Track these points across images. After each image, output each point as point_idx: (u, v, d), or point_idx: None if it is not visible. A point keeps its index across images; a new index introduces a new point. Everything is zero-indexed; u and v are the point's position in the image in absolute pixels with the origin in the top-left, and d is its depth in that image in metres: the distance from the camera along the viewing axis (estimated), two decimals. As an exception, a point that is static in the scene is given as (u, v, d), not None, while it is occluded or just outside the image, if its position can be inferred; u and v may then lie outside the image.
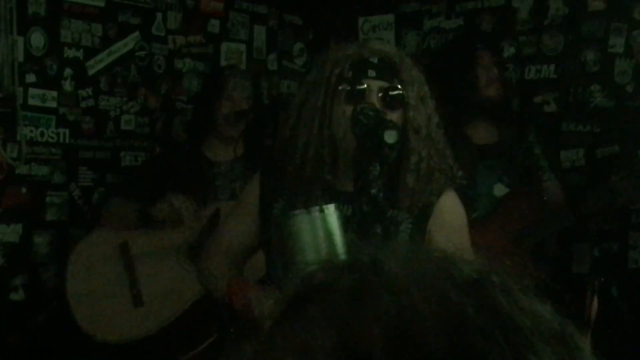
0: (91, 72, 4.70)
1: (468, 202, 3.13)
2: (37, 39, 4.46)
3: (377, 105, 2.65)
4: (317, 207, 2.42)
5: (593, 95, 4.81)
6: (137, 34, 4.89)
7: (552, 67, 4.96)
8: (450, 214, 2.80)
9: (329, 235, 2.41)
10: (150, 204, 4.08)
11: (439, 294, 0.73)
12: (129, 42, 4.86)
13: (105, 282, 3.94)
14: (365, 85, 2.68)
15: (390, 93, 2.69)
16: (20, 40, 4.36)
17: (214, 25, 5.28)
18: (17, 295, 4.39)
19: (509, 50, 5.04)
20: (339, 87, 2.69)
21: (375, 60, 2.71)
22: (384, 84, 2.69)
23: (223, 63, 5.24)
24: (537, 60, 4.99)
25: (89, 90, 4.68)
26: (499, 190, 4.25)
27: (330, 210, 2.42)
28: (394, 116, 2.66)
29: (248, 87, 4.37)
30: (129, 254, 3.99)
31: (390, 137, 2.47)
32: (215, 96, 4.30)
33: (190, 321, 3.81)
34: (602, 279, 3.58)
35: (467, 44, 4.59)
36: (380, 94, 2.68)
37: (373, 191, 2.54)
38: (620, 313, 4.28)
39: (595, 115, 4.78)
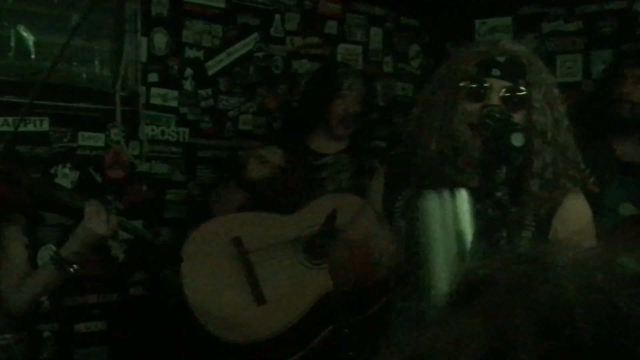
0: (211, 72, 4.77)
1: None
2: (160, 39, 4.54)
3: (500, 104, 2.60)
4: (449, 191, 2.39)
5: None
6: (256, 35, 4.95)
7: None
8: (575, 213, 2.72)
9: (457, 218, 2.38)
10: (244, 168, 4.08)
11: (593, 285, 0.73)
12: (248, 43, 4.92)
13: (222, 278, 3.90)
14: (488, 84, 2.64)
15: (514, 94, 2.65)
16: (144, 41, 4.46)
17: (332, 27, 5.31)
18: (137, 291, 4.48)
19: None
20: (462, 84, 2.67)
21: (502, 59, 2.66)
22: (508, 84, 2.64)
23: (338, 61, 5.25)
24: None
25: (209, 91, 4.76)
26: (625, 209, 4.12)
27: (462, 193, 2.39)
28: (517, 117, 2.62)
29: (362, 88, 4.36)
30: (244, 250, 3.96)
31: (517, 140, 2.44)
32: (327, 93, 4.29)
33: (314, 319, 3.80)
34: None
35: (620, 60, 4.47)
36: (503, 94, 2.64)
37: (498, 194, 2.51)
38: None
39: None
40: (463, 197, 2.37)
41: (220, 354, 3.86)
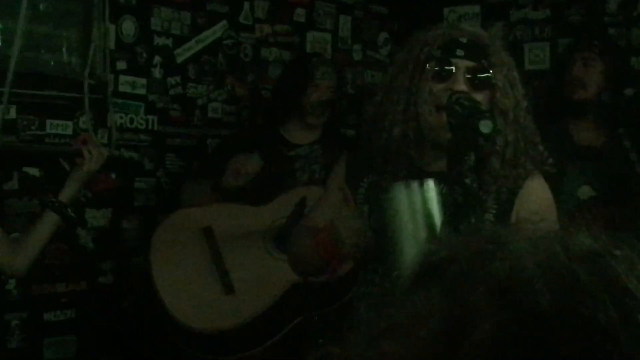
0: (180, 60, 4.76)
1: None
2: (128, 27, 4.52)
3: (464, 85, 2.62)
4: (417, 182, 2.39)
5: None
6: (225, 22, 4.93)
7: (643, 59, 4.89)
8: (536, 196, 2.73)
9: (426, 209, 2.38)
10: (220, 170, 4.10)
11: (551, 260, 0.75)
12: (217, 31, 4.90)
13: (192, 267, 3.92)
14: (453, 65, 2.66)
15: (478, 74, 2.66)
16: (112, 28, 4.43)
17: (300, 15, 5.30)
18: (106, 279, 4.47)
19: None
20: (427, 66, 2.68)
21: (465, 40, 2.68)
22: (472, 64, 2.65)
23: (309, 52, 5.25)
24: (627, 53, 4.92)
25: (178, 78, 4.74)
26: (584, 192, 4.17)
27: (430, 185, 2.39)
28: (480, 98, 2.63)
29: (334, 77, 4.38)
30: (214, 240, 3.98)
31: (485, 127, 2.44)
32: (301, 83, 4.30)
33: (283, 309, 3.82)
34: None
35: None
36: (467, 75, 2.65)
37: (467, 181, 2.52)
38: None
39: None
40: (431, 188, 2.37)
41: (189, 342, 3.87)
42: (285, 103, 4.39)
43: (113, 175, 4.47)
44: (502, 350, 0.70)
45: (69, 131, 4.28)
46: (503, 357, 0.69)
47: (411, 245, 2.24)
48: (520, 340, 0.70)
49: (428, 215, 2.37)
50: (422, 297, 0.77)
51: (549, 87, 4.45)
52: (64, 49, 4.31)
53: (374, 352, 0.77)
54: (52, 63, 4.28)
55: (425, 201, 2.38)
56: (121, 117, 4.50)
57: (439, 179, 2.51)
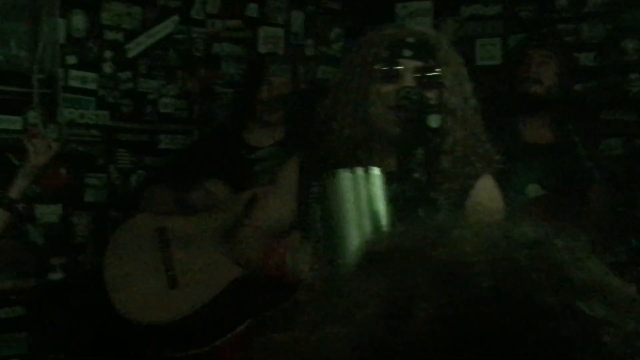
0: (131, 54, 4.72)
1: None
2: (79, 21, 4.48)
3: (413, 85, 2.63)
4: (362, 168, 2.39)
5: (632, 84, 4.78)
6: (176, 17, 4.91)
7: (592, 55, 4.94)
8: (486, 197, 2.76)
9: (371, 195, 2.38)
10: (187, 191, 4.11)
11: (492, 246, 0.77)
12: (169, 26, 4.88)
13: (141, 265, 3.97)
14: (401, 65, 2.67)
15: (426, 73, 2.68)
16: (62, 22, 4.39)
17: (253, 10, 5.28)
18: (56, 275, 4.43)
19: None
20: (375, 67, 2.70)
21: (412, 40, 2.71)
22: (420, 64, 2.68)
23: (261, 47, 5.25)
24: (577, 49, 4.96)
25: (129, 73, 4.71)
26: (533, 190, 4.20)
27: (374, 171, 2.39)
28: (429, 96, 2.65)
29: (287, 73, 4.39)
30: (166, 238, 4.02)
31: (434, 121, 2.47)
32: (255, 82, 4.31)
33: (227, 304, 3.83)
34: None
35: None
36: (416, 74, 2.67)
37: (416, 175, 2.54)
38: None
39: (635, 104, 4.75)
40: (376, 176, 2.37)
41: (140, 338, 3.88)
42: (242, 104, 4.42)
43: (63, 171, 4.43)
44: (441, 333, 0.71)
45: (18, 126, 4.23)
46: (442, 340, 0.70)
47: (356, 235, 2.24)
48: (459, 323, 0.71)
49: (372, 203, 2.37)
50: (364, 283, 0.78)
51: (501, 83, 4.47)
52: (12, 43, 4.26)
53: (316, 337, 0.77)
54: (1, 57, 4.23)
55: (369, 187, 2.37)
56: (71, 112, 4.46)
57: (389, 178, 2.52)
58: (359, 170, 2.35)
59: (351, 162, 2.68)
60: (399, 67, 2.67)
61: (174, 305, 3.86)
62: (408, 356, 0.71)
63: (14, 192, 3.38)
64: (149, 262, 3.97)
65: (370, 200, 2.33)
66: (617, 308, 0.73)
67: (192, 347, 3.84)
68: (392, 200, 2.49)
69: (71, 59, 4.46)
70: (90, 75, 4.55)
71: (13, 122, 4.23)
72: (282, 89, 4.29)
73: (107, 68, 4.62)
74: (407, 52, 2.68)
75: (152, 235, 4.03)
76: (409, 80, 2.64)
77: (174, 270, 3.94)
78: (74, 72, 4.47)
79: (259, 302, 3.72)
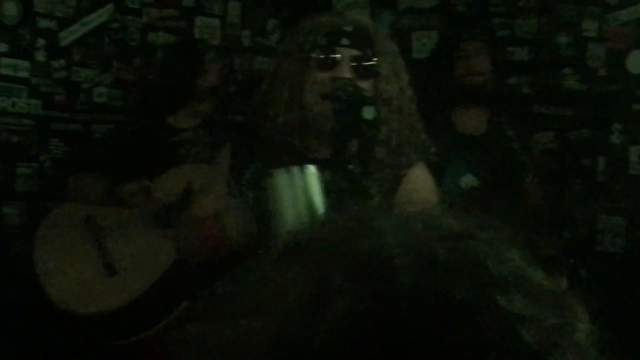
0: (64, 43, 4.66)
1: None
2: (10, 8, 4.41)
3: (349, 73, 2.64)
4: (298, 167, 2.40)
5: (565, 79, 4.84)
6: (111, 5, 4.85)
7: (526, 49, 4.99)
8: (419, 186, 2.76)
9: (308, 194, 2.39)
10: (117, 182, 4.06)
11: (413, 239, 0.76)
12: (103, 14, 4.82)
13: (75, 255, 3.90)
14: (338, 54, 2.67)
15: (363, 63, 2.68)
16: (-6, 9, 4.32)
17: (189, -1, 5.26)
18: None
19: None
20: (312, 55, 2.69)
21: (349, 29, 2.71)
22: (357, 53, 2.68)
23: (197, 37, 5.22)
24: (511, 43, 5.01)
25: (62, 62, 4.65)
26: (467, 182, 4.22)
27: (310, 170, 2.40)
28: (365, 86, 2.65)
29: (221, 64, 4.38)
30: (96, 225, 3.96)
31: (368, 113, 2.47)
32: (188, 71, 4.28)
33: (167, 287, 3.80)
34: (572, 261, 3.63)
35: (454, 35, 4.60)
36: (352, 63, 2.67)
37: (350, 167, 2.54)
38: (589, 295, 4.31)
39: (568, 99, 4.81)
40: (312, 173, 2.38)
41: (77, 328, 3.83)
42: (173, 90, 4.36)
43: (-6, 160, 4.38)
44: (358, 325, 0.70)
45: (-53, 115, 4.17)
46: (359, 332, 0.70)
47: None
48: (377, 316, 0.70)
49: (309, 201, 2.37)
50: (283, 273, 0.77)
51: (432, 75, 4.48)
52: (-59, 30, 4.19)
53: (232, 328, 0.76)
54: None
55: (306, 186, 2.38)
56: (3, 101, 4.39)
57: (323, 166, 2.52)
58: (295, 170, 2.36)
59: (285, 150, 2.69)
60: (336, 56, 2.66)
61: (116, 292, 3.80)
62: (323, 352, 0.70)
63: None
64: (82, 252, 3.90)
65: (307, 197, 2.34)
66: (538, 303, 0.73)
67: (136, 332, 3.80)
68: (326, 191, 2.50)
69: (2, 47, 4.38)
70: (22, 63, 4.48)
71: (-58, 111, 4.17)
72: (215, 80, 4.28)
73: (40, 56, 4.55)
74: (344, 41, 2.68)
75: (81, 224, 3.97)
76: (345, 69, 2.64)
77: (111, 257, 3.89)
78: (5, 60, 4.40)
79: (197, 283, 3.71)
